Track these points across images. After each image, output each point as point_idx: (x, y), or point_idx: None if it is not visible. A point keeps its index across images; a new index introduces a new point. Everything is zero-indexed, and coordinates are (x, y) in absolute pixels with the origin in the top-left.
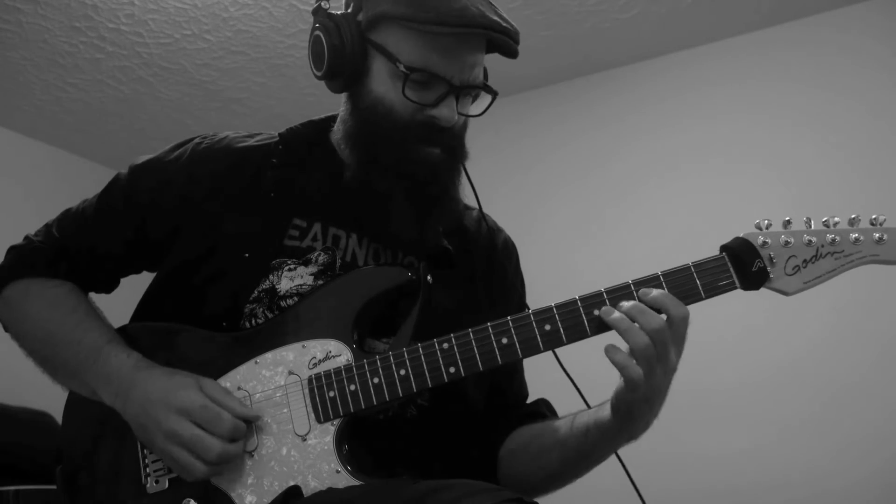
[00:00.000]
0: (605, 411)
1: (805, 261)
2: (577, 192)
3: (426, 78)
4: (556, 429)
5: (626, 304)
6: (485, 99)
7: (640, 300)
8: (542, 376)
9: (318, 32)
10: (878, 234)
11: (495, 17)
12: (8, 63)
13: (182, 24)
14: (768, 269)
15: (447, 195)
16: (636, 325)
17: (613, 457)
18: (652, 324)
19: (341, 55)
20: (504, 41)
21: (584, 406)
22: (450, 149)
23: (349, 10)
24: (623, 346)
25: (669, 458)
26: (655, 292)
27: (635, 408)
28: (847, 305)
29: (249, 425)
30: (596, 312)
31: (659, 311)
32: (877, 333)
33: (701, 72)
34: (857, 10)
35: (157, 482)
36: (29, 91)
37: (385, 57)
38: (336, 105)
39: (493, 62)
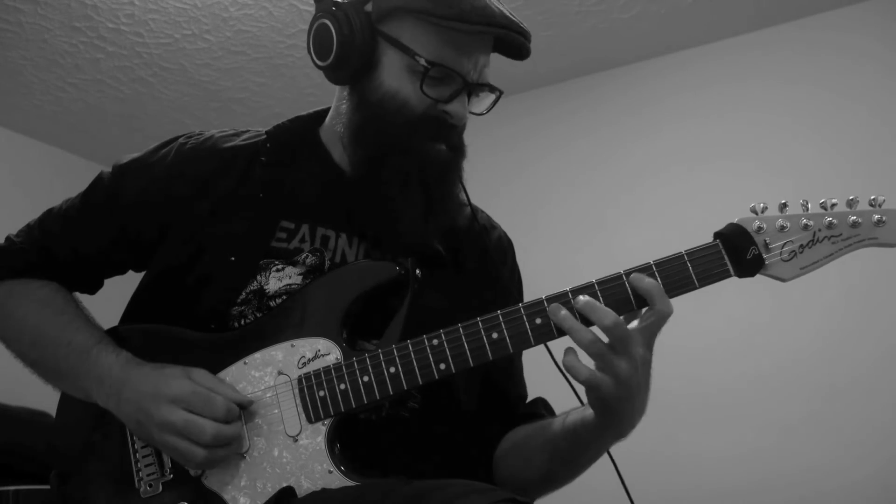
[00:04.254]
0: (591, 410)
1: (802, 246)
2: (577, 192)
3: (443, 74)
4: (549, 428)
5: (581, 298)
6: (484, 98)
7: (631, 290)
8: (540, 370)
9: (324, 20)
10: (877, 216)
11: (514, 19)
12: (8, 63)
13: (182, 24)
14: (764, 255)
15: (453, 192)
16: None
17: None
18: (605, 321)
19: (351, 45)
20: (522, 42)
21: (579, 402)
22: (455, 146)
23: None
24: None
25: (669, 459)
26: (647, 282)
27: (615, 406)
28: (847, 305)
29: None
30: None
31: (646, 302)
32: (877, 333)
33: (701, 72)
34: (857, 10)
35: (150, 486)
36: (29, 91)
37: (400, 50)
38: None
39: (493, 61)
